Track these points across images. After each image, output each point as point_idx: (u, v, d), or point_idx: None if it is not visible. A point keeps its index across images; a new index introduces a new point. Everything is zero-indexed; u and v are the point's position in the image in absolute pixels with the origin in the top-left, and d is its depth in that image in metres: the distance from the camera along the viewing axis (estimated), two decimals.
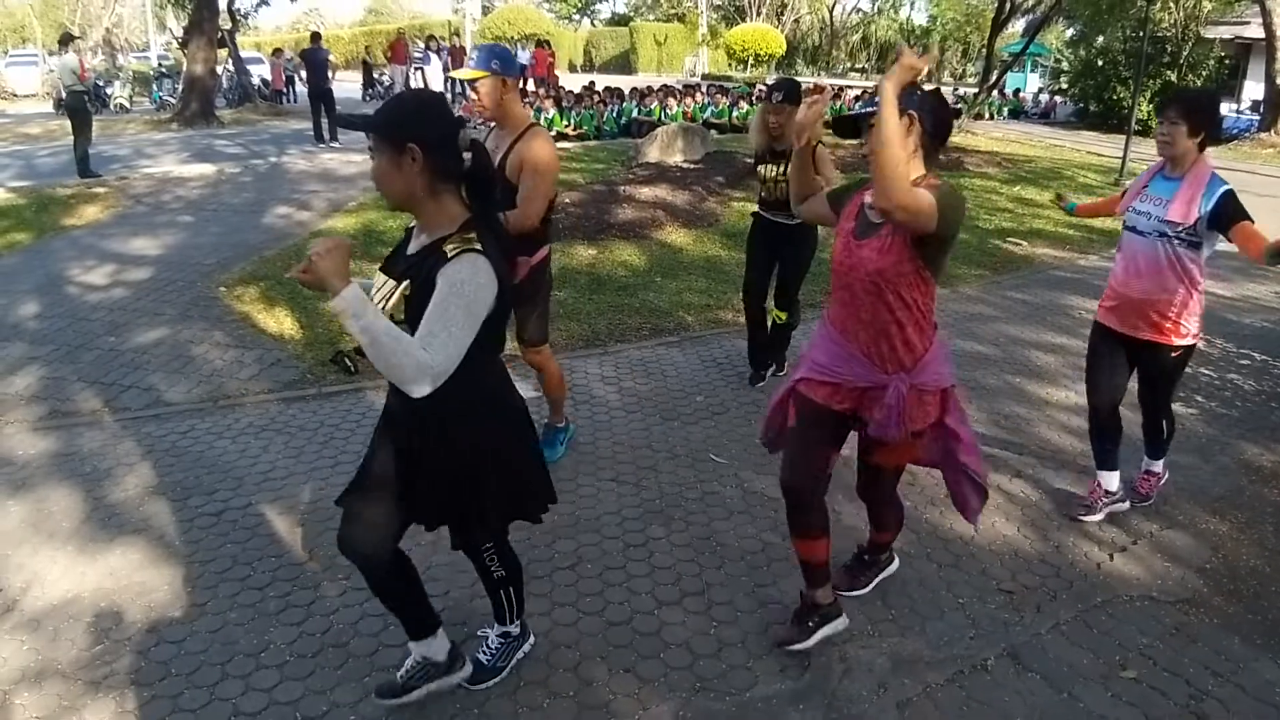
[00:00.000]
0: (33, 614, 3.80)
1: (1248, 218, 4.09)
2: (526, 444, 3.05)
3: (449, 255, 2.50)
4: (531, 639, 3.57)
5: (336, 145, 19.32)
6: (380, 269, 2.76)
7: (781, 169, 5.78)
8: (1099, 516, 4.72)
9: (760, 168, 6.02)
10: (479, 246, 2.53)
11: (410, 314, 2.59)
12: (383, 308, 2.61)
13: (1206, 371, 6.99)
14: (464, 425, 2.80)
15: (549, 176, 4.43)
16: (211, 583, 4.02)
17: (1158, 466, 4.89)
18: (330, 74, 19.87)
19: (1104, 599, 4.06)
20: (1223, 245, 4.28)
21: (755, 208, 6.24)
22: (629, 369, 6.71)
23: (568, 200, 12.31)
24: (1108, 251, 11.21)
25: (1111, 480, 4.74)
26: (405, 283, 2.61)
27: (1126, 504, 4.81)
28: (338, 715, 3.26)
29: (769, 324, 6.41)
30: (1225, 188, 4.18)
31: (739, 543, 4.41)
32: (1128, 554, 4.44)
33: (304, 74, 20.64)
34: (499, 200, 2.74)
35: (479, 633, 3.58)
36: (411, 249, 2.72)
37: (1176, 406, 6.14)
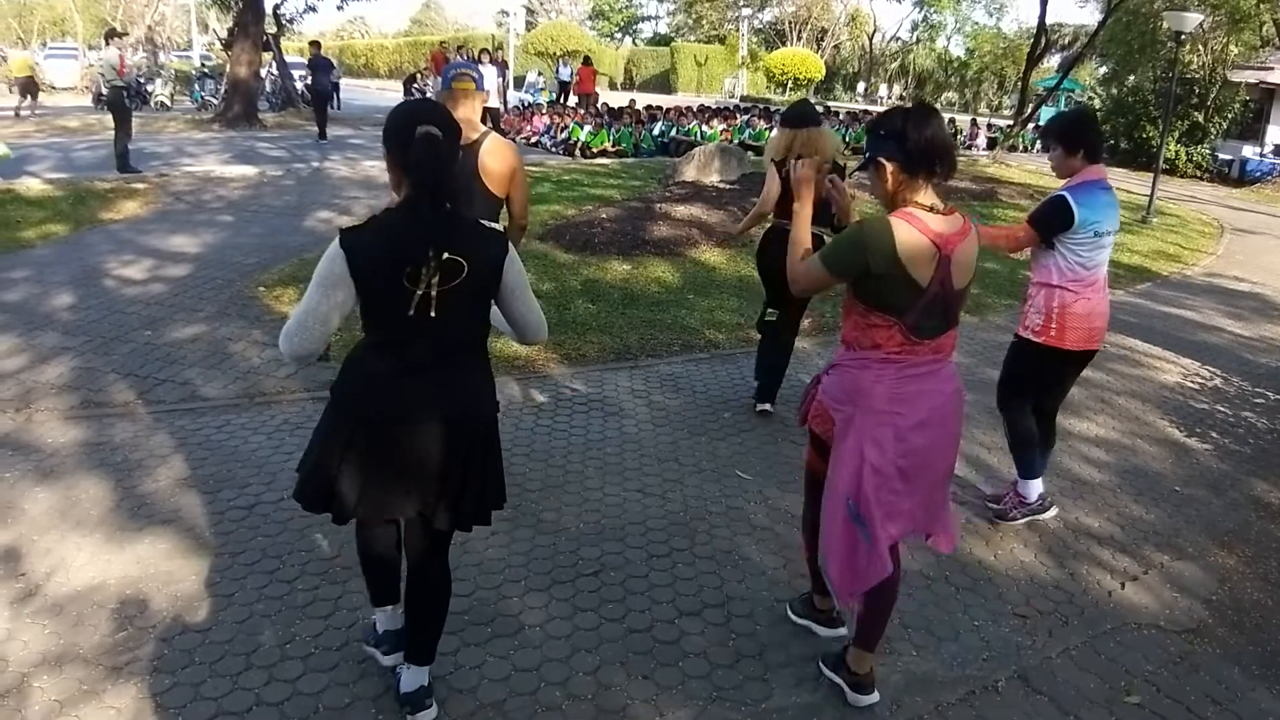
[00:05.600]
0: (56, 599, 3.85)
1: (1034, 224, 4.58)
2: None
3: None
4: None
5: (324, 142, 20.77)
6: None
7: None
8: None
9: None
10: (343, 227, 2.81)
11: None
12: None
13: (1221, 409, 7.03)
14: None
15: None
16: (240, 574, 4.08)
17: (1020, 485, 5.01)
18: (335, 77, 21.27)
19: (1113, 626, 4.10)
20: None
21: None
22: (659, 383, 6.77)
23: (604, 215, 12.40)
24: (1135, 286, 11.23)
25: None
26: None
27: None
28: (359, 708, 3.31)
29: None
30: (1058, 193, 4.53)
31: (761, 558, 4.45)
32: (1139, 583, 4.48)
33: (311, 79, 22.38)
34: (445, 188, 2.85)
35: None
36: None
37: (1191, 441, 6.26)
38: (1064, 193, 4.48)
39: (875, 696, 3.46)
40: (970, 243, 3.18)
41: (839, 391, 3.29)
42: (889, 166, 3.12)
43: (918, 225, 3.05)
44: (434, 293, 2.76)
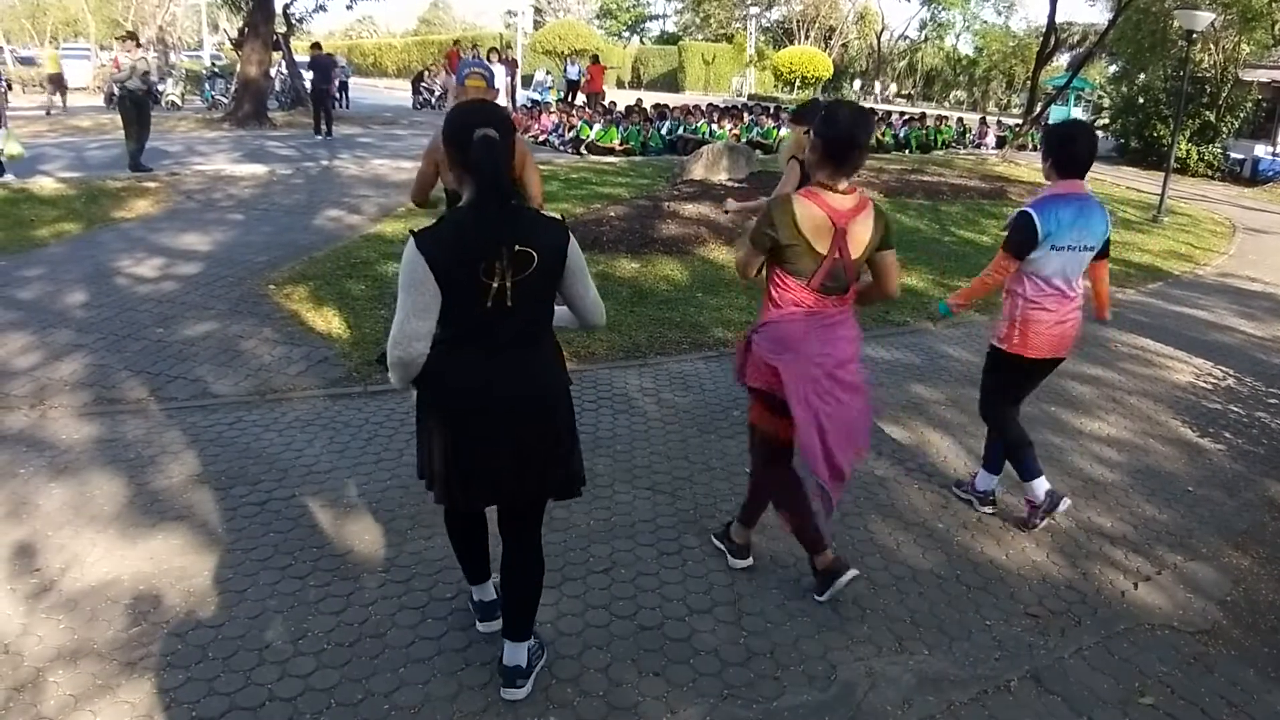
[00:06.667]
0: (71, 594, 3.87)
1: (1007, 248, 4.56)
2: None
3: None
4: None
5: (330, 138, 21.22)
6: None
7: None
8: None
9: None
10: (415, 230, 2.87)
11: None
12: None
13: (1235, 409, 7.00)
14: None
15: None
16: (252, 570, 4.10)
17: (1026, 491, 4.84)
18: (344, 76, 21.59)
19: (1127, 626, 4.09)
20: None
21: None
22: (668, 381, 6.77)
23: (612, 214, 12.40)
24: (1147, 285, 11.19)
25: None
26: None
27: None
28: (372, 703, 3.33)
29: None
30: (1021, 209, 4.56)
31: (771, 556, 4.45)
32: (1152, 583, 4.46)
33: (309, 77, 22.53)
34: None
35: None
36: None
37: (1204, 441, 6.24)
38: (1027, 208, 4.49)
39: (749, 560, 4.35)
40: (864, 219, 3.63)
41: (774, 344, 3.75)
42: (815, 142, 3.64)
43: (816, 201, 3.58)
44: (509, 284, 2.89)
